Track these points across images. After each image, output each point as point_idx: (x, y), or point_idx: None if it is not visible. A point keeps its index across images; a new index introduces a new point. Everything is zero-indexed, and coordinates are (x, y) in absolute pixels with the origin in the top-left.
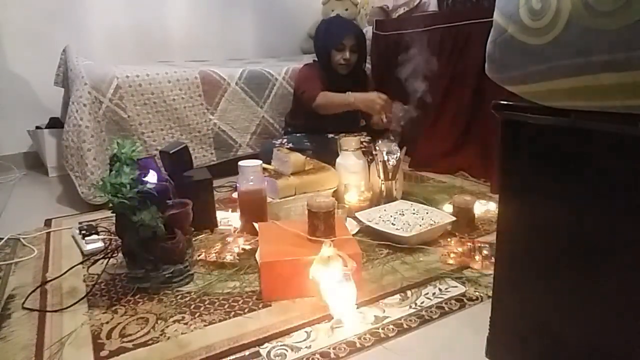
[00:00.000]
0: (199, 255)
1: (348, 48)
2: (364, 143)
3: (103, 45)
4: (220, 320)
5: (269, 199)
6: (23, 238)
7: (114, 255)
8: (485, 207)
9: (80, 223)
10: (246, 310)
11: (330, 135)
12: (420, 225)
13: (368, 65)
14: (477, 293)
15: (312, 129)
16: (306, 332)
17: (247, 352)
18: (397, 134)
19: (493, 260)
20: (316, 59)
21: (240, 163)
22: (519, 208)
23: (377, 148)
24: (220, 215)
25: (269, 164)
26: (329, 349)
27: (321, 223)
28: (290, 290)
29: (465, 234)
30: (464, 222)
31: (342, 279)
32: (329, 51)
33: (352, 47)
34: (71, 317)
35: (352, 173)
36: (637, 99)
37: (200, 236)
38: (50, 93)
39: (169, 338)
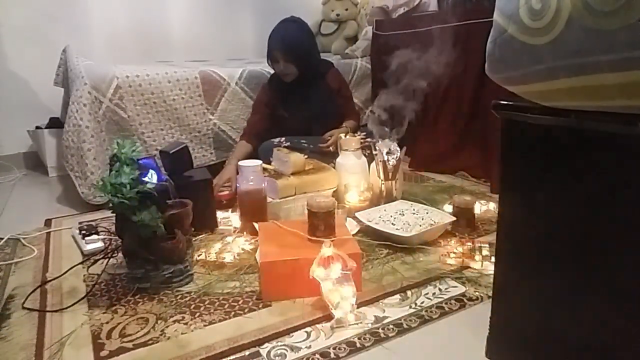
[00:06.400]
0: (199, 255)
1: (281, 59)
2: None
3: (103, 45)
4: (220, 320)
5: (269, 199)
6: (23, 238)
7: (114, 255)
8: (485, 207)
9: (80, 223)
10: (246, 310)
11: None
12: (420, 225)
13: (368, 65)
14: (477, 293)
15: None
16: (306, 332)
17: (247, 352)
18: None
19: (493, 260)
20: None
21: (240, 163)
22: (519, 208)
23: (377, 148)
24: (220, 215)
25: (269, 164)
26: (329, 349)
27: (321, 223)
28: (290, 290)
29: (465, 234)
30: (464, 222)
31: (342, 279)
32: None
33: (286, 58)
34: (71, 317)
35: (352, 173)
36: (637, 99)
37: (200, 236)
38: (50, 93)
39: (169, 338)
